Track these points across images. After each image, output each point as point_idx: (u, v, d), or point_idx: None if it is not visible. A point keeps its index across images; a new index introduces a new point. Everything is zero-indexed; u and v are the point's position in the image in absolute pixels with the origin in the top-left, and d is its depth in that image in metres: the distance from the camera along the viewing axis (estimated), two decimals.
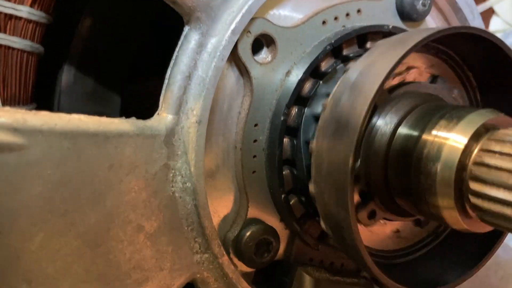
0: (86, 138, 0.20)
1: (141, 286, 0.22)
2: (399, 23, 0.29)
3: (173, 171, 0.23)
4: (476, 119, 0.21)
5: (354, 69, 0.23)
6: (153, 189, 0.22)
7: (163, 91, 0.23)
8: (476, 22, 0.32)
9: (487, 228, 0.21)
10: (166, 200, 0.23)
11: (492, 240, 0.24)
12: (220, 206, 0.25)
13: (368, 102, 0.20)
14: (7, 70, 0.25)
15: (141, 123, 0.22)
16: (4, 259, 0.19)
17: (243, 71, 0.25)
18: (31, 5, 0.26)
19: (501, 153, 0.19)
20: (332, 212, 0.22)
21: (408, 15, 0.28)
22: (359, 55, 0.24)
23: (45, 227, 0.19)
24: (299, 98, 0.25)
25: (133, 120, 0.22)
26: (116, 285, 0.21)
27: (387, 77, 0.21)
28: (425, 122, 0.22)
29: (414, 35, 0.22)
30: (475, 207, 0.20)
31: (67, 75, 0.32)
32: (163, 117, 0.23)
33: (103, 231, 0.21)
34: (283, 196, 0.26)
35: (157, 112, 0.23)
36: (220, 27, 0.23)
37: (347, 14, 0.27)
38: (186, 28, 0.23)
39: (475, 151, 0.20)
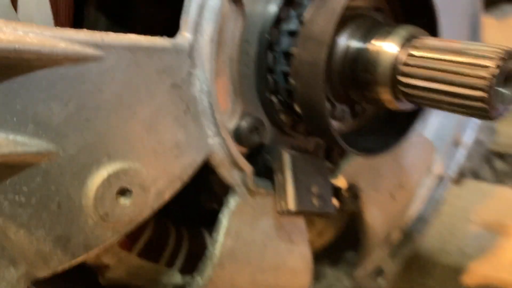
0: (141, 51, 0.28)
1: (178, 158, 0.31)
2: None
3: (194, 77, 0.31)
4: (403, 31, 0.31)
5: None
6: (183, 90, 0.30)
7: (182, 16, 0.30)
8: None
9: (411, 106, 0.32)
10: (190, 98, 0.31)
11: (412, 120, 0.36)
12: (222, 104, 0.34)
13: (335, 18, 0.30)
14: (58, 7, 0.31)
15: (173, 40, 0.30)
16: (92, 138, 0.27)
17: (237, 1, 0.33)
18: None
19: (419, 56, 0.30)
20: (307, 96, 0.32)
21: None
22: None
23: (118, 117, 0.27)
24: (277, 20, 0.34)
25: (167, 38, 0.29)
26: (162, 157, 0.30)
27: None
28: (369, 35, 0.32)
29: None
30: (404, 93, 0.31)
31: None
32: (185, 36, 0.30)
33: (155, 118, 0.29)
34: (267, 95, 0.35)
35: (179, 32, 0.30)
36: None
37: None
38: None
39: (402, 54, 0.31)
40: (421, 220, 0.60)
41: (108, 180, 0.28)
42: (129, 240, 0.38)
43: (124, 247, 0.37)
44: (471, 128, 0.62)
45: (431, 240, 0.61)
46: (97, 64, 0.26)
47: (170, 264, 0.40)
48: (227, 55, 0.33)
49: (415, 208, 0.58)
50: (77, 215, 0.28)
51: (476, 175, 0.69)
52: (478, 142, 0.64)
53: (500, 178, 0.85)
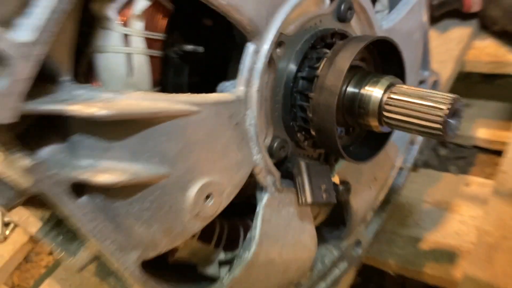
0: (220, 104, 0.41)
1: (238, 171, 0.45)
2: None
3: (246, 116, 0.45)
4: (385, 81, 0.46)
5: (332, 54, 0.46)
6: (241, 126, 0.44)
7: (238, 76, 0.44)
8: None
9: (389, 129, 0.48)
10: (244, 130, 0.45)
11: (387, 136, 0.52)
12: (261, 131, 0.48)
13: (342, 76, 0.45)
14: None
15: (233, 92, 0.43)
16: (191, 163, 0.41)
17: (271, 63, 0.47)
18: None
19: (396, 99, 0.45)
20: (322, 125, 0.46)
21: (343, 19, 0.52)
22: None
23: (207, 148, 0.41)
24: (297, 71, 0.48)
25: (231, 93, 0.43)
26: (230, 171, 0.44)
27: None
28: (362, 83, 0.47)
29: (362, 39, 0.46)
30: (386, 123, 0.46)
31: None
32: (241, 89, 0.44)
33: (226, 146, 0.43)
34: (289, 122, 0.49)
35: (235, 87, 0.44)
36: (265, 37, 0.45)
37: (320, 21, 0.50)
38: (249, 44, 0.44)
39: (385, 97, 0.46)
40: (386, 203, 0.77)
41: (201, 190, 0.42)
42: None
43: None
44: None
45: (394, 216, 0.78)
46: (196, 116, 0.40)
47: (217, 245, 0.54)
48: (264, 97, 0.48)
49: (383, 193, 0.75)
50: (180, 213, 0.42)
51: (426, 165, 0.86)
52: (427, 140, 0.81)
53: (443, 162, 1.05)
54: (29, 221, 0.62)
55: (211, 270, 0.55)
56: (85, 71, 0.41)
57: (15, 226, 1.06)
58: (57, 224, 0.48)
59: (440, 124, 0.41)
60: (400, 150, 0.72)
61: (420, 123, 0.43)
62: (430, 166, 0.90)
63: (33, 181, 0.34)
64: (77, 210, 0.37)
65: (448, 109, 0.41)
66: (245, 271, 0.50)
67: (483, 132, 1.07)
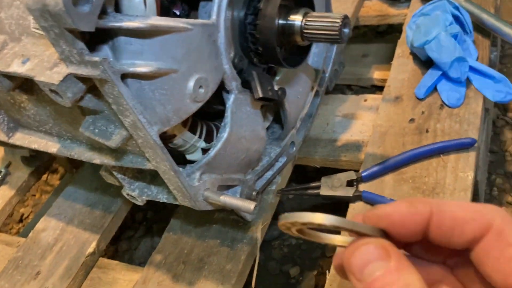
0: (201, 26, 0.65)
1: (217, 73, 0.69)
2: None
3: (218, 37, 0.69)
4: (302, 11, 0.73)
5: None
6: (215, 43, 0.68)
7: (212, 8, 0.68)
8: None
9: (308, 42, 0.74)
10: (217, 46, 0.69)
11: (309, 48, 0.79)
12: (227, 49, 0.72)
13: (277, 5, 0.70)
14: None
15: (211, 20, 0.67)
16: (190, 64, 0.64)
17: (231, 2, 0.71)
18: None
19: (310, 20, 0.72)
20: (266, 43, 0.72)
21: None
22: None
23: (198, 54, 0.65)
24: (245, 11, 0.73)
25: (209, 19, 0.67)
26: (213, 72, 0.68)
27: None
28: (288, 14, 0.73)
29: None
30: (306, 38, 0.72)
31: None
32: (213, 18, 0.68)
33: (208, 57, 0.67)
34: (244, 44, 0.74)
35: (211, 17, 0.68)
36: None
37: None
38: None
39: (303, 21, 0.72)
40: (309, 115, 1.04)
41: (196, 81, 0.65)
42: (184, 121, 0.75)
43: (182, 125, 0.75)
44: (330, 64, 1.08)
45: (315, 126, 1.06)
46: (192, 32, 0.63)
47: (200, 136, 0.78)
48: (228, 26, 0.72)
49: (306, 109, 1.02)
50: (184, 97, 0.65)
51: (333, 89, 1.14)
52: (334, 71, 1.10)
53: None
54: (48, 145, 0.83)
55: (197, 155, 0.79)
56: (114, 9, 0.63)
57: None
58: (93, 123, 0.69)
59: (337, 31, 0.69)
60: (316, 77, 0.99)
61: (326, 33, 0.70)
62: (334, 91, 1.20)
63: (101, 71, 0.56)
64: (125, 91, 0.59)
65: (341, 22, 0.69)
66: (223, 145, 0.74)
67: (378, 74, 1.39)
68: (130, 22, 0.57)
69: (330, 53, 1.03)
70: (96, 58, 0.55)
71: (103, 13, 0.57)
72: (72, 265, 0.96)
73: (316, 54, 1.00)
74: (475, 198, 0.92)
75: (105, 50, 0.60)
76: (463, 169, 0.83)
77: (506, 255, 0.29)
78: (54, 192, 1.40)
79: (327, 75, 1.03)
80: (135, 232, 1.35)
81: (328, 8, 0.96)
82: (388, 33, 1.60)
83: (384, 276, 0.28)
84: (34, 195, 1.56)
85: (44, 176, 1.57)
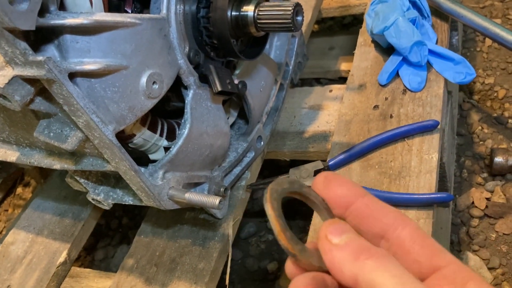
0: (150, 20, 0.64)
1: (171, 68, 0.68)
2: None
3: (170, 31, 0.68)
4: (254, 1, 0.72)
5: None
6: (168, 38, 0.68)
7: (161, 2, 0.68)
8: None
9: (263, 33, 0.74)
10: (170, 40, 0.68)
11: (265, 39, 0.78)
12: (181, 44, 0.72)
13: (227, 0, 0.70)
14: None
15: (161, 15, 0.67)
16: (141, 59, 0.63)
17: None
18: None
19: (263, 10, 0.71)
20: (221, 35, 0.71)
21: None
22: None
23: (150, 49, 0.64)
24: (197, 3, 0.73)
25: (159, 14, 0.66)
26: (167, 67, 0.67)
27: None
28: (241, 5, 0.72)
29: None
30: (260, 28, 0.72)
31: None
32: (163, 12, 0.67)
33: (160, 53, 0.66)
34: (199, 38, 0.74)
35: (161, 12, 0.68)
36: None
37: None
38: None
39: (256, 11, 0.71)
40: (275, 109, 1.04)
41: (149, 77, 0.64)
42: (143, 120, 0.74)
43: (141, 124, 0.73)
44: (293, 56, 1.08)
45: (282, 119, 1.06)
46: (140, 26, 0.62)
47: (161, 134, 0.77)
48: (180, 20, 0.71)
49: (271, 102, 1.01)
50: (137, 94, 0.64)
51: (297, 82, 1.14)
52: (298, 63, 1.10)
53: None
54: (7, 154, 0.81)
55: (160, 154, 0.78)
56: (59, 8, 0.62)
57: None
58: (48, 127, 0.67)
59: (290, 19, 0.68)
60: (280, 70, 0.99)
61: (279, 21, 0.69)
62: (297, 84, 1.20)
63: (46, 70, 0.55)
64: (74, 90, 0.58)
65: (293, 9, 0.68)
66: (184, 141, 0.73)
67: (344, 65, 1.39)
68: (73, 19, 0.55)
69: (292, 46, 1.03)
70: (40, 58, 0.54)
71: (45, 11, 0.56)
72: (43, 276, 0.94)
73: (278, 48, 0.99)
74: (442, 179, 0.93)
75: (51, 50, 0.58)
76: (427, 151, 0.83)
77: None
78: (25, 205, 1.37)
79: (290, 67, 1.03)
80: (111, 240, 1.32)
81: None
82: (354, 25, 1.61)
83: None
84: (7, 210, 1.53)
85: (18, 190, 1.54)
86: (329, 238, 0.32)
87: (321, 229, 0.33)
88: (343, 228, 0.33)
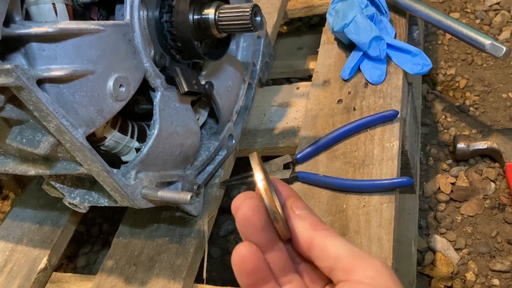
0: (114, 26, 0.67)
1: (137, 72, 0.71)
2: None
3: (134, 36, 0.71)
4: (215, 4, 0.76)
5: None
6: (132, 43, 0.71)
7: (124, 9, 0.71)
8: None
9: (225, 34, 0.77)
10: (134, 45, 0.71)
11: (228, 40, 0.82)
12: (146, 48, 0.75)
13: (187, 3, 0.73)
14: None
15: (126, 21, 0.70)
16: (107, 64, 0.66)
17: (144, 2, 0.74)
18: None
19: (223, 13, 0.75)
20: (184, 38, 0.75)
21: None
22: None
23: (116, 54, 0.67)
24: (160, 8, 0.76)
25: (123, 20, 0.69)
26: (133, 71, 0.70)
27: None
28: (202, 9, 0.76)
29: None
30: (221, 29, 0.75)
31: None
32: (127, 18, 0.71)
33: (125, 57, 0.69)
34: (163, 41, 0.77)
35: (125, 17, 0.71)
36: None
37: None
38: None
39: (217, 14, 0.75)
40: (245, 108, 1.07)
41: (115, 81, 0.67)
42: (113, 123, 0.76)
43: (111, 126, 0.76)
44: (260, 57, 1.11)
45: (253, 117, 1.09)
46: (104, 33, 0.65)
47: (132, 136, 0.80)
48: (143, 25, 0.74)
49: (241, 102, 1.05)
50: (105, 98, 0.66)
51: (265, 81, 1.18)
52: (265, 63, 1.14)
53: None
54: None
55: (132, 156, 0.81)
56: (25, 18, 0.64)
57: None
58: (20, 133, 0.70)
59: (249, 20, 0.72)
60: (247, 70, 1.03)
61: (239, 22, 0.73)
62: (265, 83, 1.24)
63: (14, 78, 0.58)
64: (43, 96, 0.60)
65: (250, 10, 0.72)
66: (154, 142, 0.76)
67: (313, 64, 1.44)
68: (38, 28, 0.58)
69: (259, 47, 1.07)
70: (8, 66, 0.56)
71: (10, 21, 0.59)
72: (24, 283, 0.95)
73: (245, 49, 1.03)
74: (406, 166, 0.97)
75: (19, 58, 0.61)
76: (388, 140, 0.87)
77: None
78: (4, 217, 1.38)
79: (258, 67, 1.07)
80: (93, 246, 1.34)
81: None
82: (321, 25, 1.65)
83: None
84: None
85: None
86: (293, 209, 0.41)
87: (287, 201, 0.42)
88: (303, 205, 0.42)
